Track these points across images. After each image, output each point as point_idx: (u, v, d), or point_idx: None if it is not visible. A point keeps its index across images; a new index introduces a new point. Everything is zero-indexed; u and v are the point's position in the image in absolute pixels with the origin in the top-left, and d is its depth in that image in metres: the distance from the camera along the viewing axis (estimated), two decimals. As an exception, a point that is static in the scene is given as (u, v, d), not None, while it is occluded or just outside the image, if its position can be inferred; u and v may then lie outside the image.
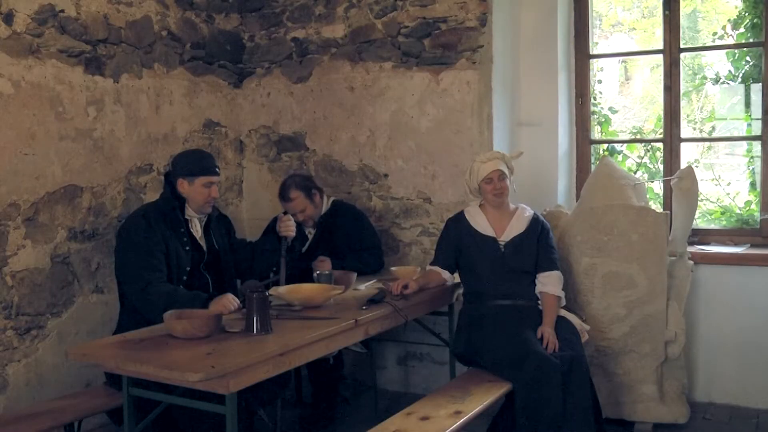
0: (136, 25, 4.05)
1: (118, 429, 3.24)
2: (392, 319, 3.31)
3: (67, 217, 3.68)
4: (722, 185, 4.65)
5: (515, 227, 3.58)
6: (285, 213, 3.82)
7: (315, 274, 3.47)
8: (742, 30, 4.49)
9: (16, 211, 3.45)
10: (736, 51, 4.59)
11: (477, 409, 2.98)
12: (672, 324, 3.79)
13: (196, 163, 3.35)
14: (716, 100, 4.95)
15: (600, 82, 4.84)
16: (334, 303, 3.23)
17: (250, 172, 4.89)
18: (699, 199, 4.04)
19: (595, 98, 4.71)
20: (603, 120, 4.81)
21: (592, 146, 4.65)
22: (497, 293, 3.52)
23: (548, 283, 3.50)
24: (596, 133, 4.73)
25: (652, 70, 5.26)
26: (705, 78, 4.93)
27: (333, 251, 3.99)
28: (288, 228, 3.58)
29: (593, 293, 3.83)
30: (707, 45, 4.83)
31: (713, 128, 4.87)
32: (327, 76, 4.61)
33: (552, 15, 4.44)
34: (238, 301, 3.08)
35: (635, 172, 4.71)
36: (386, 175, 4.49)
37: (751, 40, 4.42)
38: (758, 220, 4.27)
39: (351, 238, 4.10)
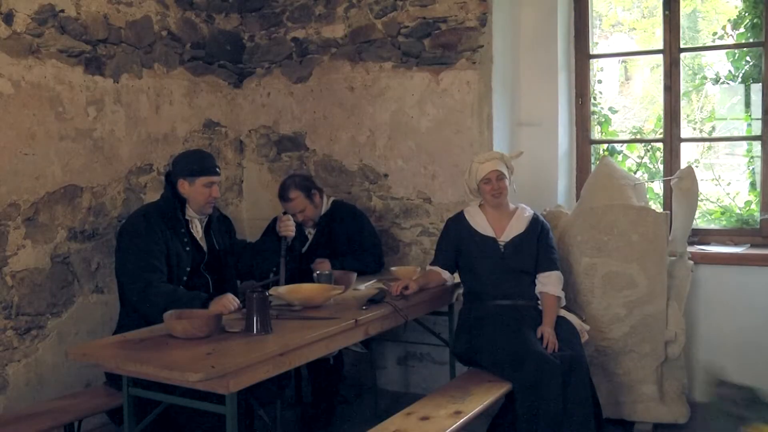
0: (136, 25, 4.05)
1: (118, 429, 3.24)
2: (392, 319, 3.31)
3: (67, 217, 3.68)
4: (722, 185, 4.65)
5: (515, 227, 3.58)
6: (285, 213, 3.82)
7: (315, 275, 3.47)
8: (742, 30, 4.49)
9: (16, 211, 3.45)
10: (736, 51, 4.59)
11: (477, 409, 2.98)
12: (672, 324, 3.78)
13: (196, 163, 3.35)
14: (716, 100, 4.95)
15: (600, 82, 4.84)
16: (334, 303, 3.23)
17: (250, 172, 4.89)
18: (699, 199, 4.04)
19: (595, 98, 4.71)
20: (603, 120, 4.81)
21: (592, 146, 4.64)
22: (497, 293, 3.52)
23: (548, 283, 3.50)
24: (596, 133, 4.72)
25: (652, 70, 5.26)
26: (705, 78, 4.93)
27: (333, 251, 3.99)
28: (288, 228, 3.58)
29: (593, 293, 3.83)
30: (707, 45, 4.83)
31: (713, 128, 4.87)
32: (327, 76, 4.61)
33: (552, 15, 4.44)
34: (238, 301, 3.08)
35: (635, 172, 4.70)
36: (386, 175, 4.49)
37: (751, 40, 4.41)
38: (758, 220, 4.27)
39: (351, 238, 4.10)
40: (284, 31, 4.72)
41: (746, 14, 4.47)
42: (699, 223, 4.40)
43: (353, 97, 4.54)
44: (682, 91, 4.40)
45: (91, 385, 3.65)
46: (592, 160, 4.63)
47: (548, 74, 4.46)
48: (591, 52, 4.58)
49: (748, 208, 4.47)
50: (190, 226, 3.38)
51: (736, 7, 4.56)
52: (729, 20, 4.58)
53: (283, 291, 3.18)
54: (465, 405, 3.01)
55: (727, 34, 4.60)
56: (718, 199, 4.64)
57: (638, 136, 4.98)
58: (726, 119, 4.78)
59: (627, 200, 3.83)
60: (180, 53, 4.35)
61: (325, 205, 4.16)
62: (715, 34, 4.73)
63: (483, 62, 4.19)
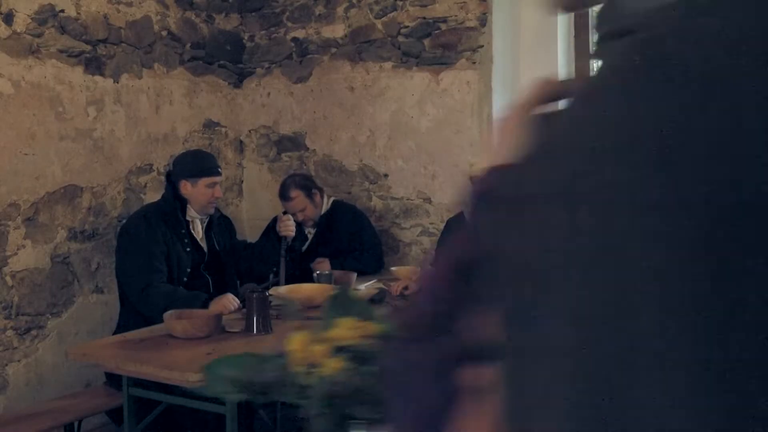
0: (136, 25, 4.05)
1: (118, 429, 3.24)
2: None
3: (67, 217, 3.68)
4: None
5: (515, 227, 3.58)
6: (285, 213, 3.83)
7: (315, 275, 3.47)
8: (742, 30, 4.49)
9: (16, 211, 3.45)
10: (736, 51, 4.59)
11: (477, 409, 2.98)
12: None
13: (198, 163, 3.36)
14: (716, 100, 4.95)
15: (600, 82, 4.84)
16: (334, 303, 3.22)
17: (250, 172, 4.89)
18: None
19: (595, 98, 4.70)
20: (603, 120, 4.81)
21: (592, 146, 4.64)
22: (497, 293, 3.52)
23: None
24: (596, 133, 4.73)
25: (652, 70, 5.26)
26: (705, 78, 4.94)
27: (333, 251, 3.99)
28: (288, 228, 3.58)
29: (593, 293, 3.83)
30: (707, 45, 4.83)
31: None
32: (327, 76, 4.61)
33: (552, 15, 4.44)
34: (238, 301, 3.08)
35: (635, 172, 4.71)
36: (386, 175, 4.49)
37: (751, 40, 4.42)
38: (758, 220, 4.27)
39: (351, 238, 4.10)
40: (284, 31, 4.72)
41: (746, 14, 4.47)
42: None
43: (353, 97, 4.54)
44: (682, 91, 4.39)
45: (91, 385, 3.65)
46: (592, 160, 4.62)
47: (548, 74, 4.45)
48: (591, 52, 4.59)
49: (748, 208, 4.47)
50: (191, 226, 3.38)
51: (736, 7, 4.57)
52: (729, 20, 4.58)
53: (283, 291, 3.18)
54: (465, 405, 3.01)
55: (727, 34, 4.60)
56: (718, 199, 4.64)
57: (638, 136, 4.99)
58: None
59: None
60: (180, 53, 4.35)
61: (325, 205, 4.16)
62: (715, 34, 4.74)
63: (483, 62, 4.19)
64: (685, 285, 0.42)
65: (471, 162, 3.59)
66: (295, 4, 4.68)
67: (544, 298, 0.48)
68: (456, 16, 4.23)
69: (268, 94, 4.80)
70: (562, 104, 0.64)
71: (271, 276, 3.56)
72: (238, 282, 3.67)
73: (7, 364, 3.42)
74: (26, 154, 3.48)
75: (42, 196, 3.56)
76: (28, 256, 3.50)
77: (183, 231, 3.33)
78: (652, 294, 0.43)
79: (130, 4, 4.01)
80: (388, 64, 4.43)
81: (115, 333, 3.20)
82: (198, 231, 3.41)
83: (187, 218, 3.37)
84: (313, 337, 1.27)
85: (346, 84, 4.55)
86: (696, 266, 0.42)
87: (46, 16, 3.54)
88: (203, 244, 3.41)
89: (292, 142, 4.76)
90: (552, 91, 0.66)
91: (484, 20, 4.17)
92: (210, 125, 4.60)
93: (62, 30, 3.63)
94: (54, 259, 3.62)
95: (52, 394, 3.49)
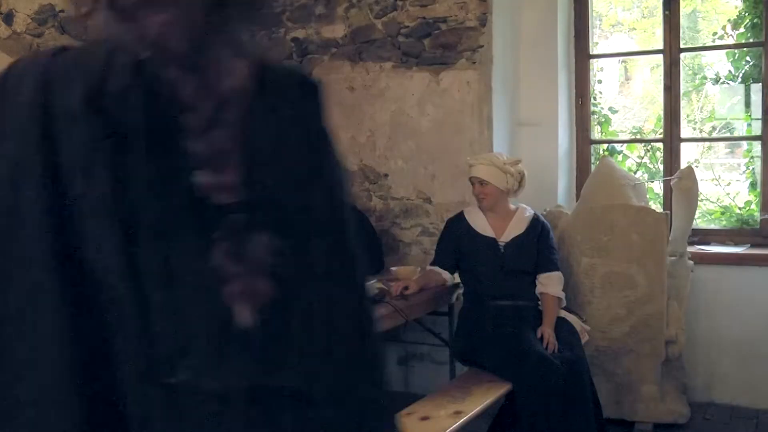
0: (136, 25, 4.05)
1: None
2: (392, 319, 3.31)
3: (67, 217, 3.68)
4: (722, 185, 4.65)
5: (515, 228, 3.58)
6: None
7: (315, 274, 3.47)
8: (742, 30, 4.49)
9: (16, 211, 3.45)
10: (736, 51, 4.59)
11: (477, 409, 2.98)
12: (672, 324, 3.79)
13: None
14: (716, 100, 4.95)
15: (600, 82, 4.84)
16: (334, 303, 3.22)
17: (250, 172, 4.89)
18: (699, 199, 4.04)
19: (595, 98, 4.71)
20: (603, 120, 4.81)
21: (592, 146, 4.64)
22: (497, 294, 3.52)
23: (548, 284, 3.50)
24: (596, 133, 4.73)
25: (652, 70, 5.26)
26: (705, 78, 4.94)
27: (333, 251, 3.99)
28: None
29: (593, 293, 3.83)
30: (707, 45, 4.84)
31: (713, 128, 4.87)
32: (327, 76, 4.60)
33: (552, 15, 4.44)
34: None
35: (635, 172, 4.71)
36: (386, 175, 4.49)
37: (751, 40, 4.42)
38: (758, 220, 4.27)
39: (351, 238, 4.10)
40: (284, 31, 4.72)
41: (746, 14, 4.47)
42: (699, 223, 4.40)
43: (353, 97, 4.53)
44: (682, 91, 4.40)
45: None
46: (592, 160, 4.63)
47: (548, 74, 4.46)
48: (591, 52, 4.58)
49: (748, 208, 4.47)
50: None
51: (736, 7, 4.56)
52: (729, 20, 4.58)
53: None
54: (465, 405, 3.01)
55: (727, 34, 4.60)
56: (718, 199, 4.64)
57: (638, 136, 4.99)
58: (726, 119, 4.78)
59: (627, 200, 3.83)
60: (180, 53, 4.35)
61: (325, 205, 4.16)
62: (715, 34, 4.73)
63: (483, 62, 4.19)
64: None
65: (470, 162, 3.60)
66: (295, 4, 4.68)
67: None
68: (456, 16, 4.23)
69: (268, 94, 4.79)
70: None
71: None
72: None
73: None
74: (26, 154, 3.48)
75: (42, 196, 3.56)
76: (28, 256, 3.50)
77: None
78: None
79: (130, 4, 4.01)
80: (388, 64, 4.42)
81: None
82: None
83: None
84: None
85: (346, 84, 4.55)
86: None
87: (46, 16, 3.55)
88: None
89: (292, 142, 4.75)
90: None
91: (484, 20, 4.16)
92: (210, 125, 4.60)
93: (62, 30, 3.63)
94: (54, 259, 3.62)
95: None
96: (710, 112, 5.00)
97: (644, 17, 5.46)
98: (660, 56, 4.42)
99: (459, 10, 4.22)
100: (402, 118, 4.41)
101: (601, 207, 3.83)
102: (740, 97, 4.69)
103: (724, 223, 4.48)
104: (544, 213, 3.97)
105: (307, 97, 0.84)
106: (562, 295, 3.52)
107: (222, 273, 0.59)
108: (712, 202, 4.63)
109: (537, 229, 3.58)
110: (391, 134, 4.46)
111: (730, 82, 4.71)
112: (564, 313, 3.54)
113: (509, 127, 4.44)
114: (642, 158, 4.87)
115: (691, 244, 4.17)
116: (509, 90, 4.44)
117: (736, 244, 4.25)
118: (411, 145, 4.41)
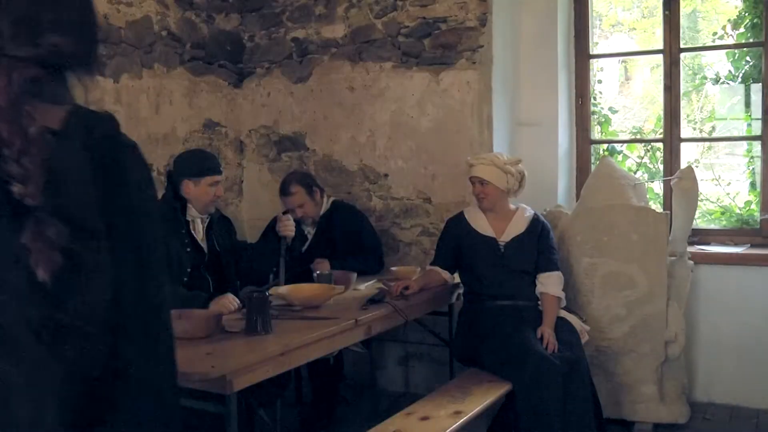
0: (136, 25, 4.05)
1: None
2: (392, 319, 3.31)
3: (67, 217, 3.68)
4: (722, 185, 4.65)
5: (515, 227, 3.58)
6: (284, 213, 3.82)
7: (315, 275, 3.47)
8: (742, 30, 4.49)
9: (16, 211, 3.45)
10: (736, 51, 4.59)
11: (477, 409, 2.98)
12: (672, 324, 3.79)
13: (200, 163, 3.36)
14: (716, 100, 4.96)
15: (600, 82, 4.85)
16: (334, 303, 3.23)
17: (250, 172, 4.89)
18: (699, 199, 4.04)
19: (595, 98, 4.71)
20: (603, 120, 4.81)
21: (592, 146, 4.65)
22: (497, 293, 3.52)
23: (548, 284, 3.50)
24: (596, 133, 4.73)
25: (652, 70, 5.26)
26: (705, 78, 4.94)
27: (332, 251, 3.99)
28: (287, 228, 3.57)
29: (593, 293, 3.83)
30: (707, 45, 4.83)
31: (713, 128, 4.87)
32: (327, 76, 4.61)
33: (552, 15, 4.44)
34: (238, 301, 3.08)
35: (635, 172, 4.71)
36: (386, 175, 4.49)
37: (751, 40, 4.42)
38: (758, 220, 4.27)
39: (351, 238, 4.10)
40: (284, 31, 4.72)
41: (746, 14, 4.47)
42: (699, 223, 4.41)
43: (353, 97, 4.54)
44: (682, 91, 4.40)
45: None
46: (592, 160, 4.63)
47: (548, 74, 4.46)
48: (591, 52, 4.58)
49: (748, 208, 4.47)
50: (191, 226, 3.38)
51: (736, 7, 4.56)
52: (729, 20, 4.58)
53: (284, 291, 3.18)
54: (465, 405, 3.01)
55: (727, 34, 4.60)
56: (718, 199, 4.64)
57: (638, 136, 4.99)
58: (726, 119, 4.78)
59: (627, 200, 3.83)
60: (180, 53, 4.35)
61: (325, 204, 4.16)
62: (715, 34, 4.73)
63: (483, 62, 4.19)
64: None
65: (470, 162, 3.60)
66: (295, 4, 4.68)
67: None
68: (456, 16, 4.23)
69: (268, 94, 4.80)
70: None
71: (271, 276, 3.56)
72: (238, 282, 3.66)
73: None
74: (26, 154, 3.49)
75: (42, 196, 3.56)
76: (28, 256, 3.50)
77: (183, 231, 3.33)
78: None
79: (130, 4, 4.01)
80: (388, 64, 4.43)
81: (115, 333, 3.20)
82: (198, 231, 3.40)
83: (188, 218, 3.36)
84: None
85: (346, 84, 4.55)
86: None
87: None
88: (203, 245, 3.41)
89: (292, 142, 4.76)
90: None
91: (484, 20, 4.16)
92: (210, 125, 4.60)
93: None
94: (54, 259, 3.62)
95: (52, 394, 3.49)
96: (710, 112, 5.00)
97: (644, 17, 5.46)
98: (660, 56, 4.42)
99: (459, 10, 4.22)
100: (402, 118, 4.41)
101: (601, 207, 3.83)
102: (740, 97, 4.69)
103: (724, 223, 4.48)
104: (544, 213, 3.97)
105: (104, 138, 1.17)
106: (562, 295, 3.52)
107: (29, 247, 0.92)
108: (712, 202, 4.63)
109: (537, 229, 3.58)
110: (391, 134, 4.46)
111: (730, 82, 4.71)
112: (564, 313, 3.54)
113: (509, 127, 4.44)
114: (642, 158, 4.87)
115: (691, 244, 4.17)
116: (509, 90, 4.44)
117: (736, 244, 4.25)
118: (411, 145, 4.41)
